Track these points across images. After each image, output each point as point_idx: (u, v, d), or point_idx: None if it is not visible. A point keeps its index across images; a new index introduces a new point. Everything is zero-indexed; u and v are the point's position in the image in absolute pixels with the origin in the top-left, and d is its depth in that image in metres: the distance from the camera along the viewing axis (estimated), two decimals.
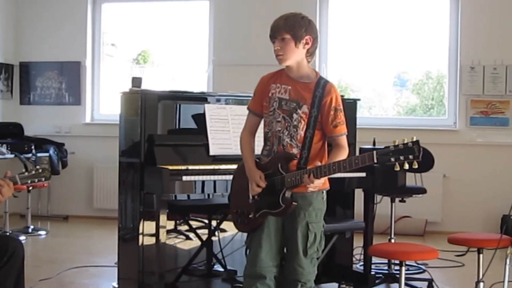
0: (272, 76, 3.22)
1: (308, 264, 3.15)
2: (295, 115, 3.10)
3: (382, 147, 2.82)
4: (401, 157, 2.71)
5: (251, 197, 3.18)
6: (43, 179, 3.24)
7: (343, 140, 3.12)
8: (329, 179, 3.17)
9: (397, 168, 2.73)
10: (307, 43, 3.09)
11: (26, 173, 3.20)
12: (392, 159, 2.72)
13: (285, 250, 3.22)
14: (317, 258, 3.21)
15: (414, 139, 2.70)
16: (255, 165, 3.18)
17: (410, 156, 2.69)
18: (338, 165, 2.90)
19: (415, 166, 2.70)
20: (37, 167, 3.27)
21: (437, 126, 7.50)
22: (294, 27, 3.05)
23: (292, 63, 3.13)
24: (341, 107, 3.13)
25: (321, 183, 3.03)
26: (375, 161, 2.77)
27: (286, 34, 3.06)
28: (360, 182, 4.57)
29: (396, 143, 2.73)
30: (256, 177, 3.12)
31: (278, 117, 3.14)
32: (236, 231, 3.40)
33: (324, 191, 3.21)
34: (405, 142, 2.71)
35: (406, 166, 2.71)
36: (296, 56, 3.11)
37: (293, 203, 3.07)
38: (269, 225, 3.16)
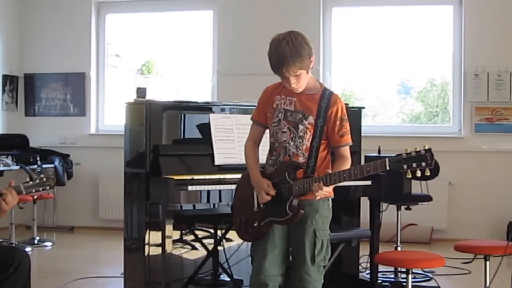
0: (276, 87, 3.22)
1: (315, 272, 3.14)
2: (301, 126, 3.10)
3: (388, 155, 2.83)
4: (414, 165, 2.74)
5: (256, 206, 3.18)
6: (48, 187, 3.23)
7: (347, 151, 3.14)
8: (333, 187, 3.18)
9: (409, 176, 2.76)
10: (311, 61, 3.09)
11: (31, 182, 3.19)
12: (405, 167, 2.75)
13: (290, 258, 3.21)
14: (324, 267, 3.21)
15: (426, 147, 2.73)
16: (261, 175, 3.18)
17: (423, 164, 2.72)
18: (348, 172, 2.92)
19: (427, 173, 2.72)
20: (41, 175, 3.26)
21: (442, 134, 7.49)
22: (302, 61, 3.01)
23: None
24: (346, 117, 3.14)
25: (329, 191, 3.04)
26: (388, 168, 2.78)
27: (299, 70, 3.03)
28: (366, 190, 4.57)
29: (408, 151, 2.76)
30: (264, 185, 3.12)
31: (283, 128, 3.14)
32: (242, 240, 3.40)
33: (330, 199, 3.21)
34: (418, 150, 2.74)
35: (418, 174, 2.74)
36: (307, 78, 3.12)
37: (300, 211, 3.08)
38: (273, 234, 3.16)
